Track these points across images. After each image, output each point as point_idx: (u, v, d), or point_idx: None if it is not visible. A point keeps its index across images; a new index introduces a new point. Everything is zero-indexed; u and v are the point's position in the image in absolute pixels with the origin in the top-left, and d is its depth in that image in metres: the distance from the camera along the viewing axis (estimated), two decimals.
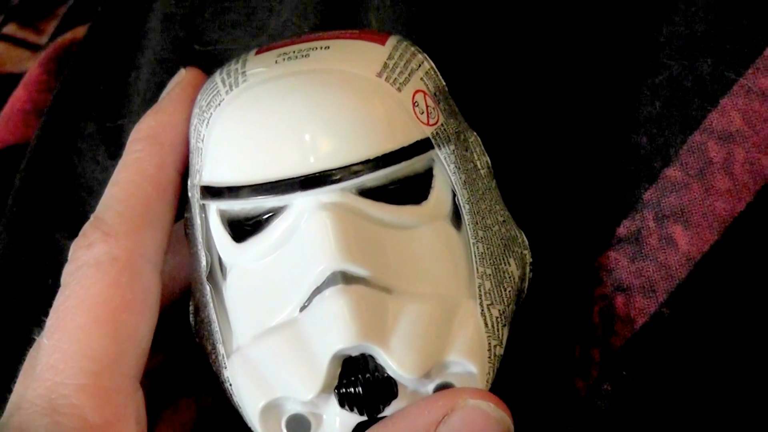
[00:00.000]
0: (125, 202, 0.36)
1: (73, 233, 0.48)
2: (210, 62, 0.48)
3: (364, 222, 0.34)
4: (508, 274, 0.36)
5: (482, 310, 0.34)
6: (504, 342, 0.35)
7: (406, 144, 0.34)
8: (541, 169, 0.41)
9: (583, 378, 0.38)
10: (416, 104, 0.35)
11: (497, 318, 0.35)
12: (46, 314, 0.35)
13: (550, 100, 0.42)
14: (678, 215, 0.38)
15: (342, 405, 0.32)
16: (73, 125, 0.51)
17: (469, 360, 0.33)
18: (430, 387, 0.33)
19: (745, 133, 0.38)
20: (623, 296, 0.38)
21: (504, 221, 0.37)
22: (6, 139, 0.56)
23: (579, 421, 0.38)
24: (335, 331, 0.32)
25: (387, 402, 0.33)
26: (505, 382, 0.35)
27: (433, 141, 0.35)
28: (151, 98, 0.49)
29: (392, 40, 0.37)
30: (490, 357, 0.34)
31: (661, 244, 0.38)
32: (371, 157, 0.33)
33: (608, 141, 0.40)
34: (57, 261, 0.49)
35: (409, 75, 0.35)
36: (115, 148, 0.50)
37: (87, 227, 0.36)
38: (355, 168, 0.33)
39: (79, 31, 0.58)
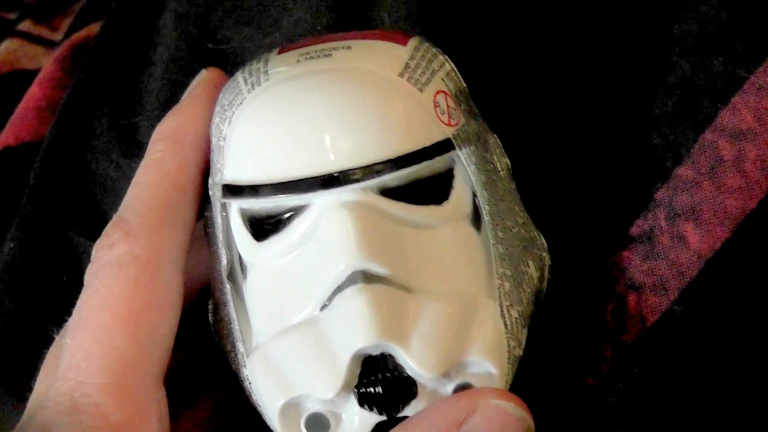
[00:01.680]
0: (147, 202, 0.36)
1: (87, 231, 0.49)
2: (223, 61, 0.48)
3: (385, 221, 0.33)
4: (528, 275, 0.36)
5: (502, 311, 0.34)
6: (523, 343, 0.35)
7: (427, 144, 0.34)
8: (555, 168, 0.41)
9: (595, 376, 0.38)
10: (437, 105, 0.35)
11: (516, 319, 0.34)
12: (62, 312, 0.35)
13: (564, 100, 0.42)
14: (689, 213, 0.38)
15: (361, 404, 0.32)
16: (86, 123, 0.51)
17: (488, 360, 0.33)
18: (450, 387, 0.33)
19: (756, 131, 0.38)
20: (635, 295, 0.38)
21: (523, 223, 0.37)
22: (21, 136, 0.56)
23: (590, 417, 0.38)
24: (356, 330, 0.32)
25: (407, 401, 0.32)
26: (519, 380, 0.35)
27: (454, 141, 0.35)
28: (164, 97, 0.49)
29: (414, 41, 0.37)
30: (509, 358, 0.34)
31: (673, 242, 0.38)
32: (392, 157, 0.33)
33: (622, 141, 0.40)
34: (71, 258, 0.49)
35: (430, 75, 0.35)
36: (128, 146, 0.50)
37: (109, 227, 0.36)
38: (377, 167, 0.33)
39: (94, 28, 0.58)
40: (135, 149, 0.49)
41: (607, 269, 0.39)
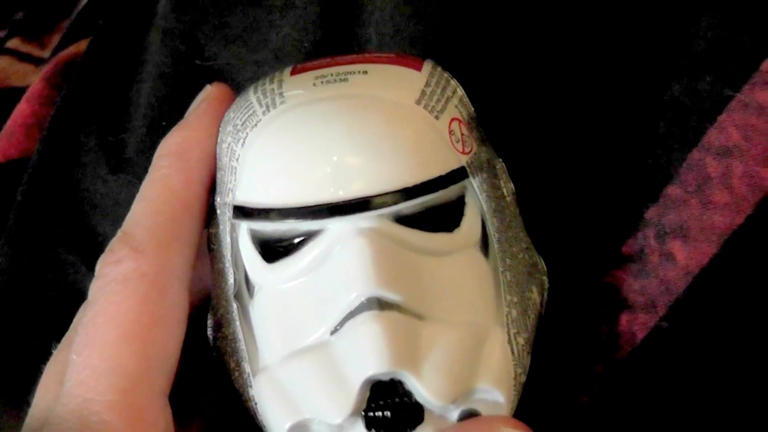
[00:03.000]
0: (153, 218, 0.35)
1: (75, 247, 0.49)
2: (211, 77, 0.47)
3: (399, 248, 0.33)
4: (532, 301, 0.36)
5: (509, 338, 0.34)
6: (527, 369, 0.35)
7: (443, 173, 0.34)
8: (548, 190, 0.40)
9: (588, 393, 0.38)
10: (452, 132, 0.35)
11: (523, 346, 0.34)
12: (52, 327, 0.35)
13: (558, 122, 0.42)
14: (677, 231, 0.37)
15: (369, 428, 0.32)
16: (74, 139, 0.51)
17: (496, 388, 0.33)
18: (456, 413, 0.33)
19: (743, 147, 0.38)
20: (628, 314, 0.38)
21: (527, 248, 0.37)
22: (9, 153, 0.56)
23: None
24: (368, 356, 0.31)
25: (413, 426, 0.32)
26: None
27: (468, 170, 0.35)
28: (152, 113, 0.49)
29: (427, 66, 0.36)
30: (515, 385, 0.34)
31: (662, 260, 0.37)
32: (409, 186, 0.33)
33: (615, 163, 0.40)
34: (59, 275, 0.49)
35: (445, 103, 0.35)
36: (116, 162, 0.49)
37: (115, 243, 0.35)
38: (393, 196, 0.33)
39: (82, 45, 0.58)
40: (122, 165, 0.49)
41: (601, 290, 0.39)
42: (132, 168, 0.48)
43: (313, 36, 0.47)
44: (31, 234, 0.50)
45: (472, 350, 0.33)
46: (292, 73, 0.37)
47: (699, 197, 0.37)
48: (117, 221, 0.46)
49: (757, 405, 0.36)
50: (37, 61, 0.65)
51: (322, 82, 0.35)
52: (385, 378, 0.32)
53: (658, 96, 0.39)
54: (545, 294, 0.37)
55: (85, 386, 0.32)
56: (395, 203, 0.33)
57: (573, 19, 0.43)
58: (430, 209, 0.34)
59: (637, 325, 0.37)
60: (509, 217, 0.36)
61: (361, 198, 0.33)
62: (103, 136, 0.50)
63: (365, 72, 0.35)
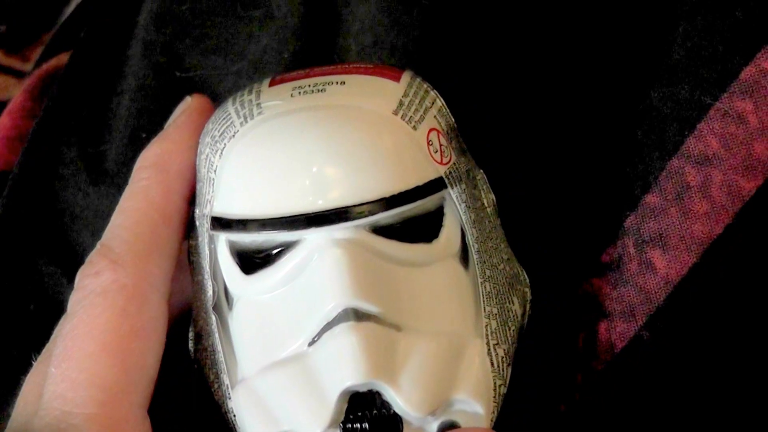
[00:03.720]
0: (132, 230, 0.35)
1: (55, 259, 0.48)
2: (190, 88, 0.47)
3: (376, 259, 0.33)
4: (512, 312, 0.35)
5: (489, 350, 0.34)
6: (507, 381, 0.34)
7: (420, 183, 0.34)
8: (528, 199, 0.40)
9: (566, 402, 0.37)
10: (430, 143, 0.34)
11: (503, 357, 0.34)
12: (30, 339, 0.34)
13: (535, 132, 0.41)
14: (656, 240, 0.37)
15: None
16: (54, 151, 0.50)
17: (475, 399, 0.32)
18: (435, 424, 0.32)
19: (722, 156, 0.38)
20: (605, 322, 0.37)
21: (508, 259, 0.36)
22: None
23: None
24: (345, 368, 0.31)
25: None
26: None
27: (446, 180, 0.34)
28: (132, 124, 0.49)
29: (406, 77, 0.36)
30: (495, 396, 0.33)
31: (641, 269, 0.37)
32: (386, 196, 0.33)
33: (594, 171, 0.40)
34: (40, 286, 0.48)
35: (423, 113, 0.35)
36: (96, 175, 0.49)
37: (94, 255, 0.35)
38: (370, 206, 0.33)
39: (63, 58, 0.57)
40: (103, 177, 0.49)
41: (580, 298, 0.38)
42: (112, 179, 0.48)
43: (292, 47, 0.46)
44: (11, 246, 0.49)
45: (450, 361, 0.33)
46: (271, 84, 0.36)
47: (678, 206, 0.37)
48: (97, 233, 0.45)
49: (738, 416, 0.36)
50: (20, 75, 0.65)
51: (299, 93, 0.35)
52: (363, 389, 0.32)
53: (635, 104, 0.39)
54: (528, 306, 0.37)
55: (62, 399, 0.32)
56: (372, 214, 0.33)
57: (552, 29, 0.43)
58: (409, 220, 0.33)
59: (615, 334, 0.37)
60: (489, 227, 0.36)
61: (338, 208, 0.33)
62: (84, 148, 0.50)
63: (343, 82, 0.35)
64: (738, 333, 0.37)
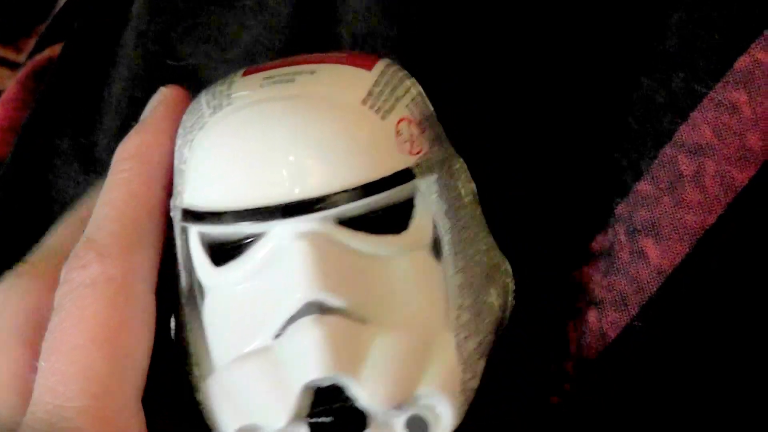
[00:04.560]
0: (117, 222, 0.34)
1: None
2: (182, 77, 0.47)
3: (343, 251, 0.32)
4: (488, 304, 0.35)
5: (458, 343, 0.33)
6: (479, 374, 0.34)
7: (387, 174, 0.33)
8: (515, 184, 0.40)
9: (558, 394, 0.37)
10: (400, 133, 0.34)
11: (473, 350, 0.34)
12: None
13: (524, 116, 0.41)
14: (649, 229, 0.37)
15: None
16: (47, 142, 0.50)
17: (441, 393, 0.32)
18: (402, 418, 0.32)
19: (716, 146, 0.37)
20: (596, 311, 0.37)
21: (488, 249, 0.36)
22: None
23: None
24: (308, 362, 0.31)
25: None
26: (483, 399, 0.34)
27: (414, 171, 0.34)
28: (123, 113, 0.49)
29: (380, 65, 0.35)
30: (463, 390, 0.33)
31: (633, 257, 0.37)
32: (351, 187, 0.32)
33: (584, 158, 0.39)
34: None
35: (394, 102, 0.34)
36: (88, 164, 0.49)
37: (80, 248, 0.34)
38: (335, 198, 0.32)
39: (57, 49, 0.57)
40: (94, 166, 0.49)
41: (569, 285, 0.38)
42: (104, 168, 0.47)
43: (284, 36, 0.46)
44: (4, 236, 0.49)
45: (416, 354, 0.32)
46: (245, 74, 0.36)
47: (671, 195, 0.37)
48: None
49: (731, 406, 0.36)
50: (14, 66, 0.65)
51: (269, 83, 0.34)
52: (327, 383, 0.31)
53: (627, 91, 0.39)
54: (510, 297, 0.36)
55: (54, 393, 0.31)
56: (337, 205, 0.32)
57: (543, 15, 0.42)
58: (376, 211, 0.33)
59: (607, 323, 0.37)
60: (466, 217, 0.35)
61: (302, 200, 0.32)
62: (77, 138, 0.50)
63: (313, 72, 0.34)
64: (731, 324, 0.36)
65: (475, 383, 0.34)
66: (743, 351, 0.36)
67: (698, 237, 0.37)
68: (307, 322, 0.31)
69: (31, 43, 0.63)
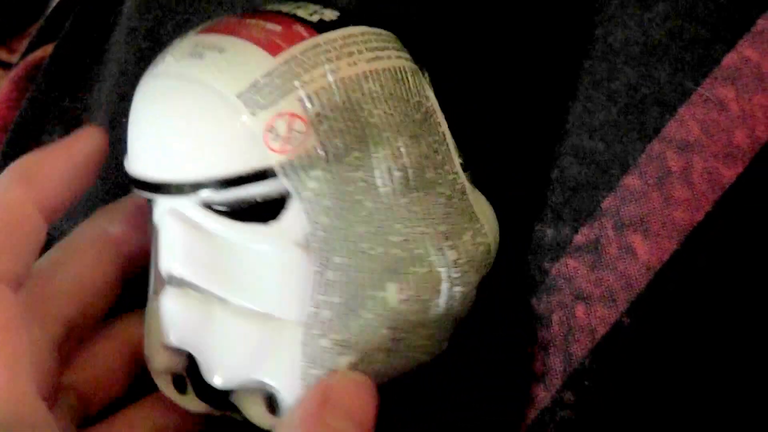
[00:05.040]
0: None
1: None
2: None
3: (204, 233, 0.34)
4: (378, 300, 0.34)
5: (307, 339, 0.34)
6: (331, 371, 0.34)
7: (243, 172, 0.33)
8: (515, 184, 0.40)
9: (545, 388, 0.37)
10: (271, 129, 0.33)
11: (327, 348, 0.34)
12: None
13: (502, 101, 0.41)
14: (637, 224, 0.37)
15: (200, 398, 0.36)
16: (38, 140, 0.51)
17: (276, 384, 0.34)
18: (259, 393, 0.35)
19: (704, 143, 0.37)
20: (584, 305, 0.37)
21: (405, 240, 0.34)
22: None
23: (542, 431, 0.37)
24: (162, 327, 0.35)
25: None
26: (466, 392, 0.35)
27: (279, 170, 0.33)
28: (112, 110, 0.48)
29: (295, 49, 0.34)
30: (304, 386, 0.34)
31: (621, 253, 0.37)
32: (205, 181, 0.34)
33: (562, 144, 0.39)
34: None
35: (279, 95, 0.33)
36: None
37: None
38: (190, 187, 0.34)
39: (49, 49, 0.57)
40: None
41: (552, 278, 0.38)
42: None
43: None
44: None
45: (257, 342, 0.34)
46: (200, 31, 0.37)
47: (660, 191, 0.37)
48: (72, 218, 0.45)
49: (721, 403, 0.36)
50: (7, 66, 0.65)
51: (190, 53, 0.35)
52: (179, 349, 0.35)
53: (608, 80, 0.39)
54: (445, 286, 0.35)
55: None
56: (194, 193, 0.34)
57: (543, 15, 0.42)
58: (243, 201, 0.34)
59: (596, 318, 0.37)
60: (368, 210, 0.34)
61: (166, 182, 0.35)
62: (66, 135, 0.50)
63: (221, 51, 0.35)
64: (720, 320, 0.36)
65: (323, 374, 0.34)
66: (733, 347, 0.36)
67: (686, 234, 0.37)
68: (166, 291, 0.35)
69: (24, 43, 0.63)
